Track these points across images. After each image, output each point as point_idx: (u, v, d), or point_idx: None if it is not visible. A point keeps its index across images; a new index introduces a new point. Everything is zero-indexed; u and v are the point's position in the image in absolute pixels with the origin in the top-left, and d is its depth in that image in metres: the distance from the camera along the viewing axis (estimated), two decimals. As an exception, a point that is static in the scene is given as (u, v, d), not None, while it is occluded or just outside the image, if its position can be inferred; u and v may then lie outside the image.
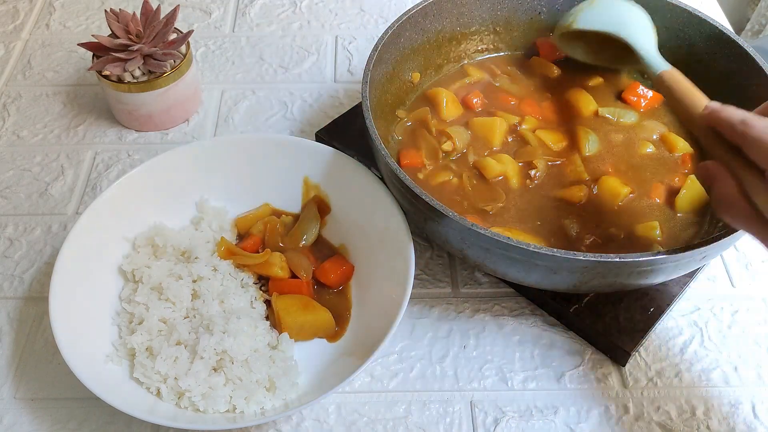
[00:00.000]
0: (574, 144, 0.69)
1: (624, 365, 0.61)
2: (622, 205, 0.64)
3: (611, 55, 0.71)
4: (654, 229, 0.62)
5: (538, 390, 0.60)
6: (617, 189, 0.65)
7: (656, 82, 0.61)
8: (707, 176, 0.49)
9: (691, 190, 0.65)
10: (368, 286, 0.63)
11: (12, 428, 0.57)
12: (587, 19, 0.69)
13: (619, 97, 0.74)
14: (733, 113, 0.47)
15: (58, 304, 0.56)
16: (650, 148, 0.69)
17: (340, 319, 0.62)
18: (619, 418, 0.58)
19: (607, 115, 0.72)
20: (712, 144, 0.49)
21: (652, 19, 0.71)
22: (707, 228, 0.63)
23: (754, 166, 0.45)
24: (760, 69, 0.65)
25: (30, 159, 0.78)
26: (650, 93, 0.74)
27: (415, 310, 0.65)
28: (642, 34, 0.67)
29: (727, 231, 0.53)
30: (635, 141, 0.70)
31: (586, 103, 0.72)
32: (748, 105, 0.66)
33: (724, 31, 0.69)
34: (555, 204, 0.65)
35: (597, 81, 0.75)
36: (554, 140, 0.69)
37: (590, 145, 0.69)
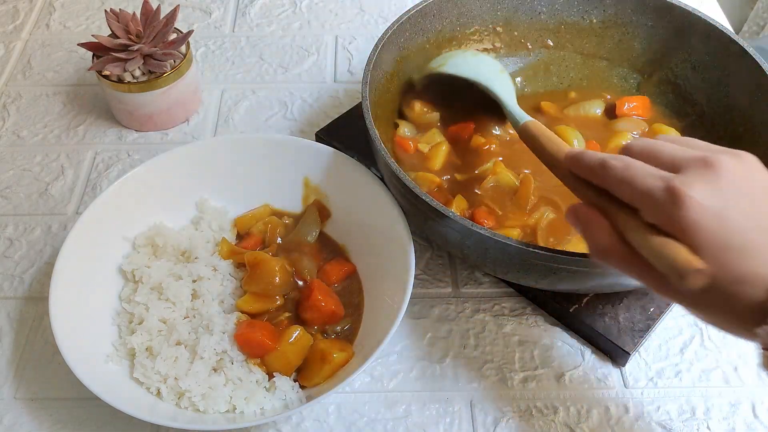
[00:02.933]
0: None
1: (624, 365, 0.61)
2: None
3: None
4: None
5: (538, 390, 0.60)
6: None
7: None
8: (579, 220, 0.46)
9: None
10: (368, 287, 0.63)
11: (12, 428, 0.57)
12: (458, 65, 0.72)
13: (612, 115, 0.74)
14: (591, 158, 0.45)
15: (58, 304, 0.56)
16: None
17: (356, 306, 0.62)
18: (619, 418, 0.58)
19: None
20: (579, 188, 0.48)
21: (653, 19, 0.71)
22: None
23: (625, 205, 0.43)
24: (760, 69, 0.65)
25: (30, 159, 0.78)
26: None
27: (415, 310, 0.65)
28: (506, 87, 0.70)
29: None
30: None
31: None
32: (748, 105, 0.67)
33: (724, 31, 0.69)
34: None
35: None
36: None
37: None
